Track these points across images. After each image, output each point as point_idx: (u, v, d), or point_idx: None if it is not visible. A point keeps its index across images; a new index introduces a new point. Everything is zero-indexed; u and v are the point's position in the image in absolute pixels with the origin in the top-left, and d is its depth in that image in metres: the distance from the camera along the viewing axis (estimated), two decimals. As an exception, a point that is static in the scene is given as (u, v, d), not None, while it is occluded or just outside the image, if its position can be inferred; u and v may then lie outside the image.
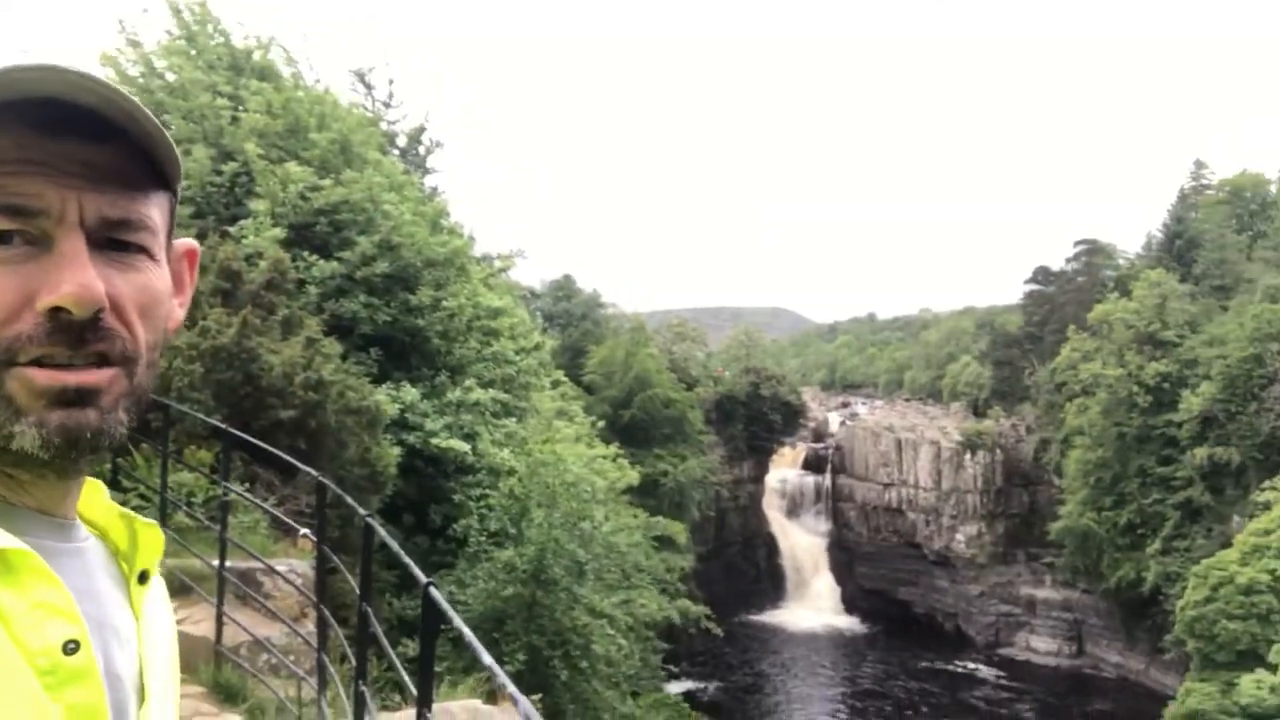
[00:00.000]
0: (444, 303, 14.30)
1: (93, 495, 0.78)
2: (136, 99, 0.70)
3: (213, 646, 6.19)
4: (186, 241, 0.83)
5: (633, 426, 36.52)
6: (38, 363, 0.66)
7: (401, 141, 22.76)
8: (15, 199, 0.66)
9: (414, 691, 3.29)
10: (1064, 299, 51.86)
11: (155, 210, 0.74)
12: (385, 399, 11.89)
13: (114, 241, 0.70)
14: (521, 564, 12.90)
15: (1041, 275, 55.69)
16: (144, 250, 0.73)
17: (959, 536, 49.72)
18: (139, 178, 0.72)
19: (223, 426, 7.22)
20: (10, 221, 0.66)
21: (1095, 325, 44.00)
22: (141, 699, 0.75)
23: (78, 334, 0.67)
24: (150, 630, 0.79)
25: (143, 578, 0.79)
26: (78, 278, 0.66)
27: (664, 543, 27.55)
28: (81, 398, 0.68)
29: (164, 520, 7.20)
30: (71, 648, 0.64)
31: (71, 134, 0.68)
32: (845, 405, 75.96)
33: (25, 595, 0.62)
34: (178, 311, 0.79)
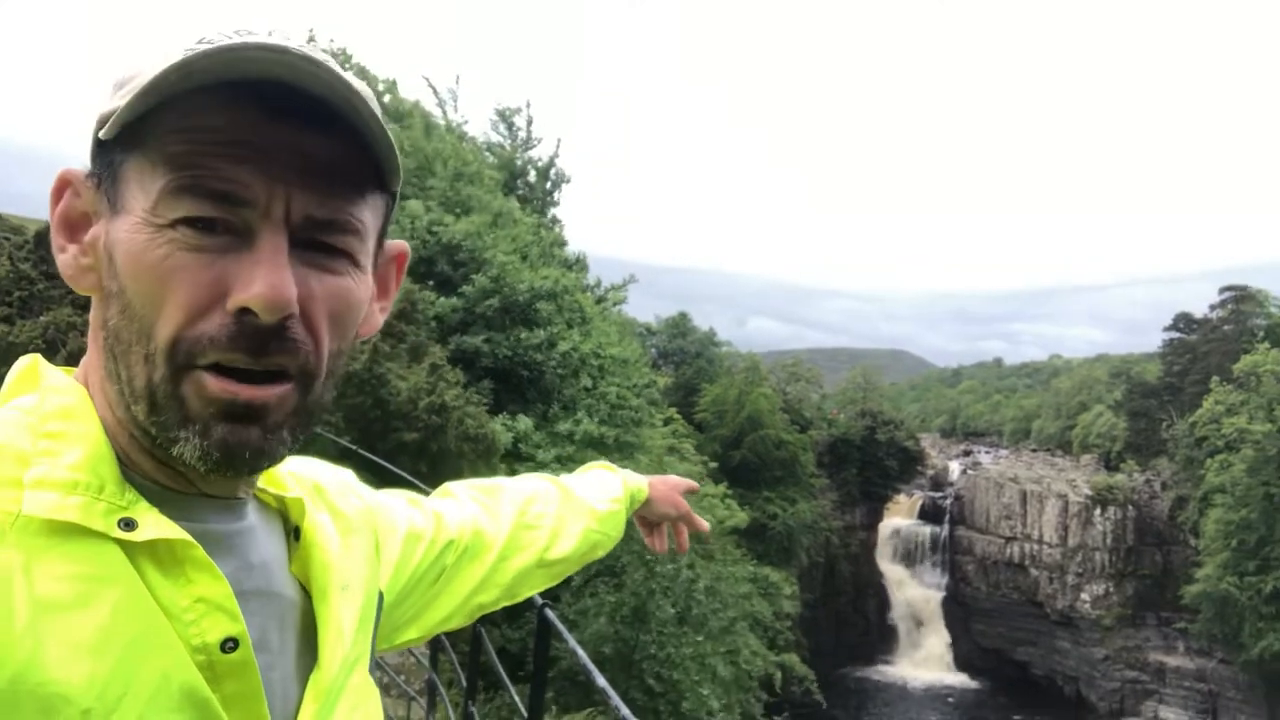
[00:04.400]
0: (559, 344, 14.63)
1: None
2: (363, 90, 0.66)
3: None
4: (398, 244, 0.80)
5: (742, 467, 36.17)
6: (215, 367, 0.63)
7: (532, 178, 23.45)
8: (226, 185, 0.63)
9: (524, 714, 3.36)
10: (1207, 348, 48.96)
11: (368, 212, 0.70)
12: (500, 428, 12.22)
13: (318, 243, 0.67)
14: (621, 606, 12.88)
15: (1183, 323, 52.81)
16: (347, 255, 0.69)
17: (1084, 596, 47.04)
18: (355, 176, 0.68)
19: (353, 448, 7.56)
20: (216, 209, 0.63)
21: (1241, 377, 41.32)
22: (315, 663, 0.75)
23: (261, 341, 0.63)
24: (326, 582, 0.77)
25: (296, 534, 0.78)
26: (270, 279, 0.62)
27: (770, 590, 27.12)
28: (249, 413, 0.64)
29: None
30: (230, 646, 0.64)
31: (291, 120, 0.64)
32: (967, 453, 73.28)
33: (187, 590, 0.63)
34: (377, 317, 0.78)
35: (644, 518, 1.46)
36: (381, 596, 0.89)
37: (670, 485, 1.45)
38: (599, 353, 16.08)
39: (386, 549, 0.94)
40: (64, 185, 0.68)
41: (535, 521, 1.20)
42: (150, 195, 0.63)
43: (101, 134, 0.65)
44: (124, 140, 0.64)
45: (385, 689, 6.50)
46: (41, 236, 8.93)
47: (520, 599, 1.19)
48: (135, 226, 0.63)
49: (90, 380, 0.69)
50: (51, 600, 0.57)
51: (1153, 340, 57.03)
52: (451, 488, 1.19)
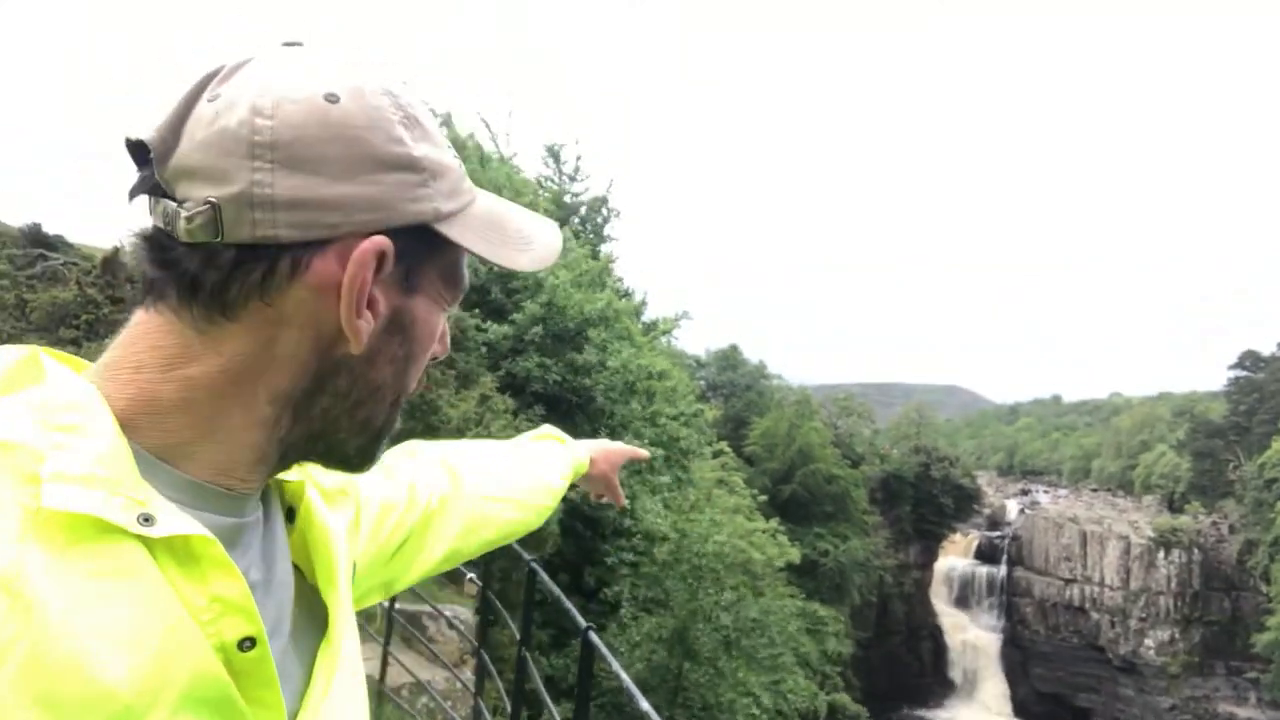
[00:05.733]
0: (608, 363, 14.67)
1: None
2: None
3: (377, 686, 6.43)
4: None
5: (793, 502, 35.73)
6: None
7: (582, 211, 23.69)
8: (466, 286, 0.81)
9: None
10: (1275, 387, 47.53)
11: None
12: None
13: None
14: (665, 632, 12.79)
15: (1249, 361, 51.46)
16: None
17: (1148, 642, 45.50)
18: None
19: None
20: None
21: (1313, 418, 40.03)
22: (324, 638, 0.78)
23: None
24: (330, 562, 0.81)
25: (290, 516, 0.80)
26: (448, 337, 0.82)
27: (819, 626, 26.65)
28: None
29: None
30: (247, 645, 0.64)
31: None
32: (1025, 492, 71.89)
33: (204, 587, 0.63)
34: None
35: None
36: (355, 566, 0.92)
37: (611, 464, 1.57)
38: (650, 370, 16.10)
39: (364, 520, 0.99)
40: (382, 256, 0.69)
41: (498, 494, 1.28)
42: (448, 290, 0.78)
43: (458, 239, 0.74)
44: (434, 238, 0.73)
45: (431, 714, 6.49)
46: (108, 262, 9.25)
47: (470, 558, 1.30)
48: (432, 308, 0.77)
49: (161, 399, 0.67)
50: (82, 596, 0.57)
51: (1218, 378, 55.39)
52: (415, 448, 1.23)
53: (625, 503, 1.63)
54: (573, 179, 23.88)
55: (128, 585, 0.59)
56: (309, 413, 0.72)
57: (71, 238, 16.64)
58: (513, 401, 11.79)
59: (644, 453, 1.67)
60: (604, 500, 1.63)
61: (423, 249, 0.73)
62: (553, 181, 23.72)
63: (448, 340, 0.83)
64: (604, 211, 23.96)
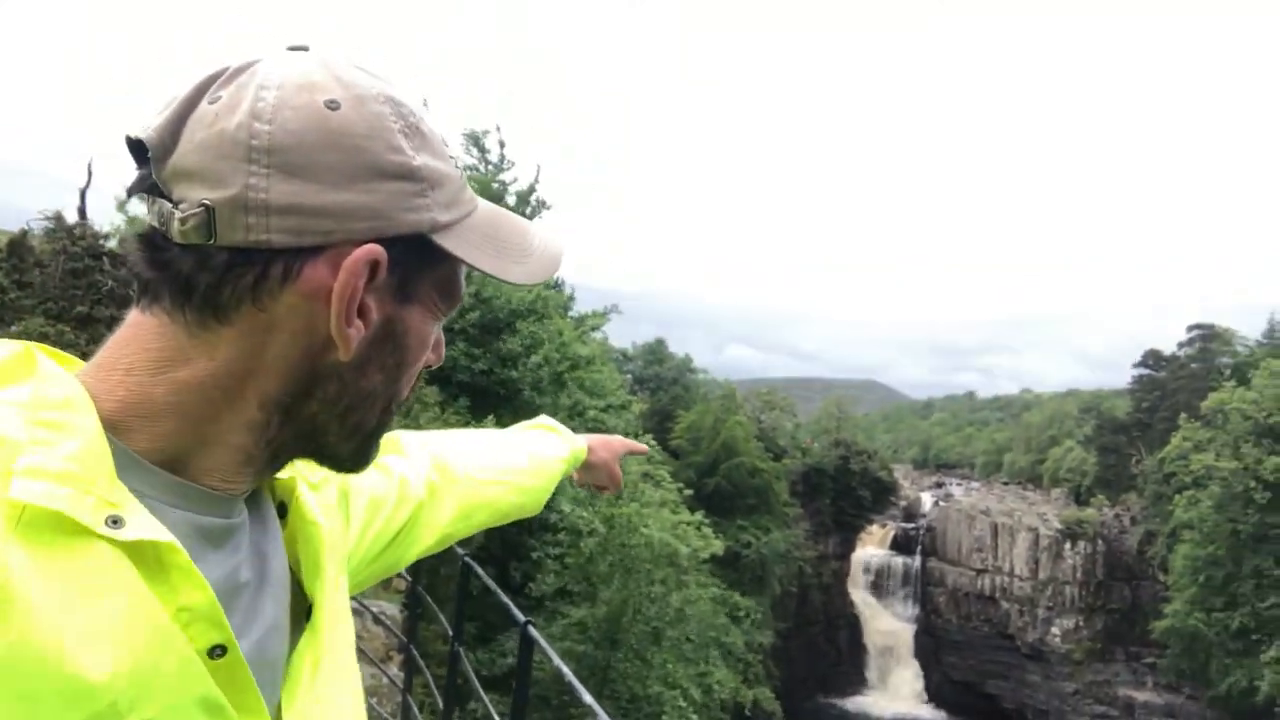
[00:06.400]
0: (534, 355, 14.61)
1: None
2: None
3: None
4: None
5: (717, 494, 36.11)
6: None
7: (511, 201, 23.40)
8: (462, 296, 0.82)
9: (501, 735, 3.29)
10: (1175, 385, 49.65)
11: None
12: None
13: None
14: (592, 624, 12.83)
15: (1151, 359, 53.61)
16: None
17: (1055, 630, 47.21)
18: None
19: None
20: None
21: (1209, 414, 41.91)
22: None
23: None
24: (319, 558, 0.81)
25: (282, 512, 0.81)
26: (442, 346, 0.84)
27: (739, 619, 26.99)
28: None
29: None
30: (218, 653, 0.64)
31: None
32: (939, 485, 73.62)
33: (171, 598, 0.62)
34: None
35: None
36: (347, 558, 0.95)
37: (613, 453, 1.57)
38: (576, 356, 16.07)
39: (353, 510, 1.00)
40: (375, 265, 0.69)
41: (492, 477, 1.30)
42: (443, 300, 0.78)
43: (454, 250, 0.73)
44: (430, 248, 0.73)
45: (356, 711, 6.38)
46: (15, 245, 8.80)
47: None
48: (426, 318, 0.77)
49: (149, 401, 0.67)
50: (64, 595, 0.56)
51: (1123, 376, 57.73)
52: (403, 441, 1.21)
53: (619, 489, 1.63)
54: (499, 167, 23.58)
55: (109, 586, 0.59)
56: (298, 417, 0.72)
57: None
58: (440, 393, 11.65)
59: (643, 446, 1.69)
60: (604, 490, 1.62)
61: (418, 259, 0.73)
62: (477, 169, 23.39)
63: (442, 350, 0.83)
64: (533, 201, 23.75)
